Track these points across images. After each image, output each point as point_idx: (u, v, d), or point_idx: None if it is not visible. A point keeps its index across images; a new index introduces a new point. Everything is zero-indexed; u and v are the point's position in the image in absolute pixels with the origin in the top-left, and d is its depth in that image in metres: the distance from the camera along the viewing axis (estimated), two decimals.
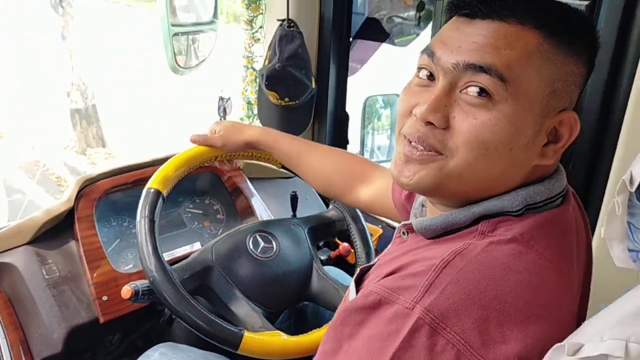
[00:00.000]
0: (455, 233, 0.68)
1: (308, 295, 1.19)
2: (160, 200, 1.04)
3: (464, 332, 0.56)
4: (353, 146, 1.68)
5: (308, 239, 1.23)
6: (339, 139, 1.64)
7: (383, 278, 0.64)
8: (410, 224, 0.72)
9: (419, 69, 0.70)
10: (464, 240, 0.65)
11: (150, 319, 1.31)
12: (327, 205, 1.37)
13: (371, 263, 0.77)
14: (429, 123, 0.65)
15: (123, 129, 6.66)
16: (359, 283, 0.75)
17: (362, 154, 1.72)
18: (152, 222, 0.99)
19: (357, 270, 0.77)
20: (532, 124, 0.64)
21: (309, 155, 1.16)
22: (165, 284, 0.95)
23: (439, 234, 0.69)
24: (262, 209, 1.47)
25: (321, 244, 1.55)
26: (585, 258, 0.74)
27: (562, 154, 0.70)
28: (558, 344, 0.50)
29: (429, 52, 0.68)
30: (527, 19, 0.63)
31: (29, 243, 1.20)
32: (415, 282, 0.59)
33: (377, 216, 1.46)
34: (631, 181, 0.51)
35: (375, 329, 0.59)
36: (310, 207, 1.55)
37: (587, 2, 1.08)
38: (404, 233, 0.76)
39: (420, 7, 1.78)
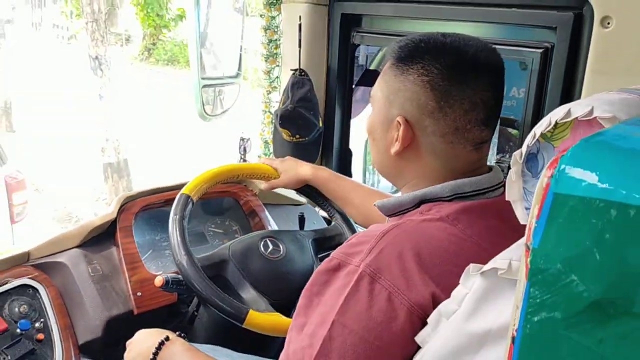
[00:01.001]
0: (404, 214, 0.91)
1: None
2: (190, 203, 1.27)
3: (393, 279, 0.78)
4: (356, 178, 1.90)
5: (311, 247, 1.44)
6: (344, 173, 1.87)
7: (343, 245, 0.87)
8: (375, 204, 0.96)
9: None
10: (406, 218, 0.88)
11: (174, 318, 1.52)
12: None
13: None
14: None
15: (152, 180, 6.97)
16: None
17: None
18: (182, 218, 1.23)
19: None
20: (379, 122, 0.95)
21: (353, 194, 1.39)
22: (189, 265, 1.17)
23: (393, 212, 0.93)
24: (275, 229, 1.69)
25: (323, 255, 1.75)
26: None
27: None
28: (467, 267, 0.71)
29: None
30: (390, 54, 0.94)
31: (78, 246, 1.44)
32: (362, 248, 0.82)
33: None
34: (521, 155, 0.72)
35: (335, 283, 0.82)
36: (316, 228, 1.77)
37: (541, 50, 1.32)
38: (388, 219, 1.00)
39: None
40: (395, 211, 0.93)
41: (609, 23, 1.14)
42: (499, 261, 0.67)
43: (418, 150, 0.91)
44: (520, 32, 1.36)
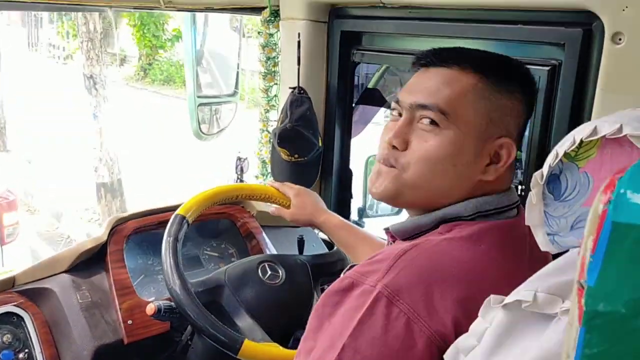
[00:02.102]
0: (421, 235, 0.85)
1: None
2: (185, 225, 1.21)
3: (413, 304, 0.72)
4: (356, 200, 1.85)
5: (311, 273, 1.38)
6: (344, 193, 1.81)
7: (358, 265, 0.81)
8: (389, 228, 0.90)
9: (392, 110, 0.91)
10: (425, 238, 0.82)
11: (167, 348, 1.45)
12: (332, 249, 1.52)
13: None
14: (393, 147, 0.85)
15: (146, 200, 6.91)
16: None
17: (365, 207, 1.89)
18: (175, 240, 1.17)
19: (348, 267, 0.94)
20: (472, 146, 0.83)
21: (363, 245, 1.29)
22: (182, 291, 1.11)
23: (409, 235, 0.86)
24: (272, 252, 1.62)
25: (325, 286, 1.69)
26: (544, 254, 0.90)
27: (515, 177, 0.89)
28: (487, 298, 0.65)
29: (395, 99, 0.90)
30: (467, 65, 0.84)
31: (66, 271, 1.37)
32: (379, 267, 0.76)
33: None
34: (542, 176, 0.67)
35: (347, 304, 0.75)
36: (316, 252, 1.70)
37: (548, 68, 1.28)
38: (390, 244, 0.94)
39: None
40: (412, 234, 0.87)
41: (620, 39, 1.09)
42: (523, 292, 0.62)
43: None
44: (527, 49, 1.32)
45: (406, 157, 0.85)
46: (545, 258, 0.90)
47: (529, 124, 1.35)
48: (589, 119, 1.18)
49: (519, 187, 1.31)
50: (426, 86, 0.85)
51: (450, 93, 0.83)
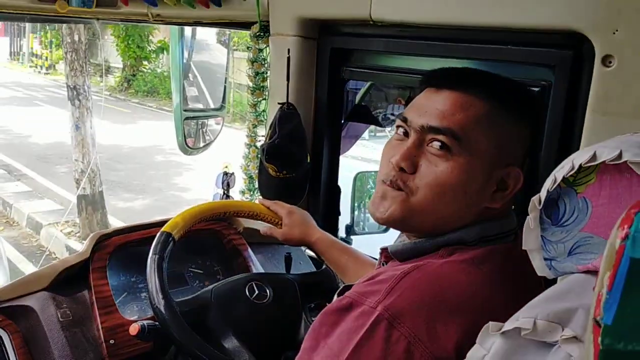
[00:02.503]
0: (421, 257, 0.83)
1: (296, 344, 1.30)
2: (171, 242, 1.18)
3: (415, 328, 0.70)
4: (344, 217, 1.83)
5: (299, 292, 1.35)
6: (332, 210, 1.80)
7: (357, 284, 0.79)
8: (386, 248, 0.88)
9: (397, 127, 0.89)
10: (426, 260, 0.80)
11: None
12: (320, 267, 1.50)
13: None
14: (401, 169, 0.83)
15: (129, 214, 6.82)
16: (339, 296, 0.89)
17: (352, 225, 1.87)
18: (161, 258, 1.14)
19: (342, 287, 0.92)
20: (482, 172, 0.81)
21: (354, 266, 1.27)
22: (167, 311, 1.08)
23: (408, 256, 0.85)
24: (259, 270, 1.60)
25: (312, 305, 1.66)
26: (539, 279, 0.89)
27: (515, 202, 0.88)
28: (486, 325, 0.63)
29: (402, 117, 0.87)
30: (480, 91, 0.82)
31: (47, 288, 1.33)
32: (380, 288, 0.74)
33: None
34: (540, 201, 0.66)
35: (345, 325, 0.73)
36: (303, 270, 1.68)
37: (537, 89, 1.28)
38: (383, 264, 0.92)
39: None
40: (410, 255, 0.85)
41: (610, 62, 1.10)
42: (522, 319, 0.60)
43: None
44: (516, 69, 1.32)
45: (415, 180, 0.83)
46: (540, 283, 0.90)
47: None
48: (579, 141, 1.18)
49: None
50: (439, 108, 0.83)
51: (463, 118, 0.81)
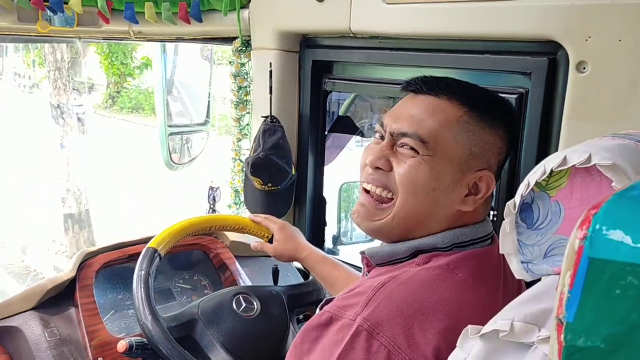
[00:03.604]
0: (397, 264, 0.85)
1: (284, 356, 1.30)
2: (157, 258, 1.18)
3: (394, 337, 0.71)
4: (331, 228, 1.84)
5: (287, 304, 1.36)
6: (318, 222, 1.81)
7: (336, 299, 0.80)
8: (364, 252, 0.90)
9: (375, 132, 0.92)
10: (402, 269, 0.82)
11: None
12: (308, 279, 1.51)
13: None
14: (377, 168, 0.85)
15: (115, 232, 6.78)
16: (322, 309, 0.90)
17: (339, 235, 1.89)
18: (147, 274, 1.14)
19: (324, 301, 0.93)
20: (451, 174, 0.84)
21: (344, 282, 1.24)
22: (154, 327, 1.08)
23: (385, 261, 0.86)
24: (247, 284, 1.60)
25: (301, 317, 1.67)
26: (518, 282, 0.91)
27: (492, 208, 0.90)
28: (465, 329, 0.65)
29: (380, 122, 0.90)
30: (455, 97, 0.85)
31: (34, 309, 1.32)
32: (358, 300, 0.75)
33: None
34: (515, 206, 0.68)
35: (326, 340, 0.74)
36: (291, 283, 1.69)
37: (515, 97, 1.30)
38: (367, 274, 0.93)
39: None
40: (387, 261, 0.87)
41: (585, 68, 1.13)
42: (500, 322, 0.62)
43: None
44: (494, 78, 1.35)
45: (389, 178, 0.86)
46: (519, 285, 0.91)
47: None
48: (557, 147, 1.20)
49: (491, 213, 1.33)
50: (411, 114, 0.86)
51: (433, 123, 0.84)
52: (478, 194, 0.86)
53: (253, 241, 1.52)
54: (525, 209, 0.69)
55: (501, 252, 0.71)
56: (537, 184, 0.66)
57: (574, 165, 0.62)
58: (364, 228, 0.90)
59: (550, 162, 0.65)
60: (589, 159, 0.61)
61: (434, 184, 0.84)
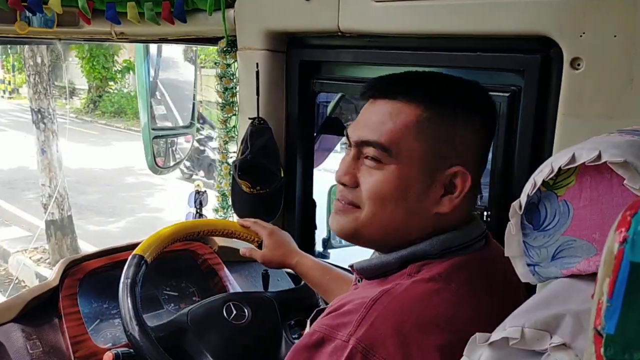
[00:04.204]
0: (388, 276, 0.82)
1: None
2: (144, 265, 1.14)
3: (390, 356, 0.68)
4: (320, 231, 1.81)
5: (278, 310, 1.32)
6: (308, 224, 1.78)
7: (325, 315, 0.76)
8: (353, 265, 0.86)
9: (345, 143, 0.89)
10: (393, 282, 0.78)
11: None
12: (299, 283, 1.47)
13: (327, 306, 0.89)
14: (343, 184, 0.82)
15: (99, 239, 6.68)
16: (313, 322, 0.86)
17: (329, 238, 1.85)
18: (134, 282, 1.10)
19: (314, 312, 0.89)
20: (421, 177, 0.80)
21: (335, 287, 1.23)
22: (141, 337, 1.04)
23: (375, 274, 0.83)
24: (237, 290, 1.56)
25: (293, 322, 1.63)
26: (518, 285, 0.87)
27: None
28: (473, 337, 0.62)
29: (346, 132, 0.87)
30: (412, 96, 0.81)
31: (14, 320, 1.27)
32: (350, 319, 0.72)
33: None
34: (520, 206, 0.65)
35: None
36: (282, 287, 1.65)
37: (508, 94, 1.28)
38: (359, 280, 0.90)
39: None
40: (376, 274, 0.84)
41: (579, 64, 1.11)
42: (510, 329, 0.59)
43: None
44: (486, 75, 1.32)
45: (356, 194, 0.82)
46: (519, 288, 0.88)
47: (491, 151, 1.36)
48: (551, 144, 1.18)
49: (485, 213, 1.30)
50: (370, 120, 0.82)
51: (391, 128, 0.80)
52: (454, 191, 0.82)
53: (241, 246, 1.48)
54: (532, 209, 0.66)
55: (506, 254, 0.68)
56: (543, 183, 0.64)
57: (583, 163, 0.60)
58: (340, 235, 0.86)
59: (558, 160, 0.62)
60: (599, 156, 0.59)
61: (403, 194, 0.80)
